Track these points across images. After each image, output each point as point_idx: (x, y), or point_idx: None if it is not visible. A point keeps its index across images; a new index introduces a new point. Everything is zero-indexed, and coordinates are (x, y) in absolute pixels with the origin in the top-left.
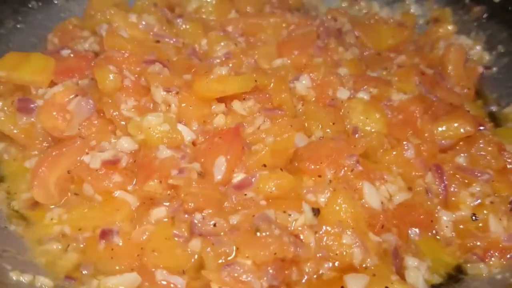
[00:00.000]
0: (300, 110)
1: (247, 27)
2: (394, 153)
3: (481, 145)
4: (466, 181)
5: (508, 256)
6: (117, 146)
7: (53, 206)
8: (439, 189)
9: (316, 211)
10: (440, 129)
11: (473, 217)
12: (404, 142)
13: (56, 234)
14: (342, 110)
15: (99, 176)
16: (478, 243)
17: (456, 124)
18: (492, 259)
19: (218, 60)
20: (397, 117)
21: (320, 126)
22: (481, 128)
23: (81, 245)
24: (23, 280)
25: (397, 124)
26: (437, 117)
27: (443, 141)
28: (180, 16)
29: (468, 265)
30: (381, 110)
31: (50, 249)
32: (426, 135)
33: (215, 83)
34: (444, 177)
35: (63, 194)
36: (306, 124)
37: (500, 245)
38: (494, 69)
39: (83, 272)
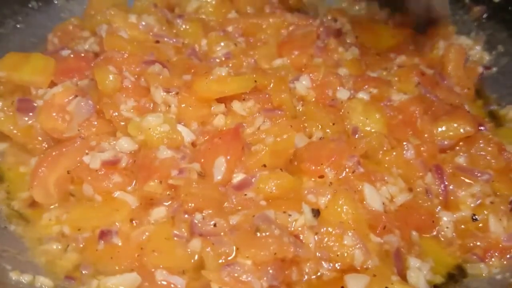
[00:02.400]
0: (300, 110)
1: (247, 27)
2: (394, 153)
3: (481, 145)
4: (467, 181)
5: (508, 256)
6: (117, 147)
7: (52, 206)
8: (439, 190)
9: (316, 212)
10: (440, 129)
11: (473, 217)
12: (404, 143)
13: (56, 234)
14: (342, 110)
15: (99, 177)
16: (478, 243)
17: (456, 124)
18: (492, 259)
19: (218, 60)
20: (397, 118)
21: (320, 127)
22: (481, 128)
23: (81, 245)
24: (23, 280)
25: (397, 125)
26: (437, 117)
27: (443, 141)
28: (180, 17)
29: (468, 265)
30: (381, 110)
31: (49, 249)
32: (426, 135)
33: (214, 84)
34: (444, 178)
35: (63, 194)
36: (306, 125)
37: (500, 245)
38: (494, 69)
39: (83, 272)
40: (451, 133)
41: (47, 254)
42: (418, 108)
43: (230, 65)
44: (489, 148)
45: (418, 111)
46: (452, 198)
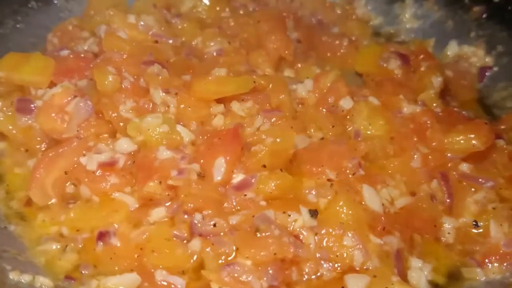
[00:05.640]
0: (299, 111)
1: (240, 26)
2: (399, 161)
3: (493, 156)
4: (473, 189)
5: (506, 264)
6: (116, 147)
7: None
8: (445, 196)
9: (313, 213)
10: (451, 139)
11: (474, 223)
12: (412, 152)
13: (54, 235)
14: (348, 117)
15: (96, 178)
16: (478, 248)
17: (469, 136)
18: (489, 265)
19: (210, 56)
20: (408, 126)
21: (319, 129)
22: (499, 139)
23: (80, 246)
24: (23, 280)
25: (406, 132)
26: (452, 126)
27: (452, 156)
28: (178, 16)
29: (465, 269)
30: (386, 118)
31: (48, 249)
32: (434, 144)
33: (213, 84)
34: (450, 184)
35: (61, 195)
36: (305, 126)
37: (500, 251)
38: (495, 69)
39: (83, 272)
40: (462, 143)
41: (46, 254)
42: (430, 119)
43: (221, 61)
44: (500, 157)
45: (430, 122)
46: (456, 203)
